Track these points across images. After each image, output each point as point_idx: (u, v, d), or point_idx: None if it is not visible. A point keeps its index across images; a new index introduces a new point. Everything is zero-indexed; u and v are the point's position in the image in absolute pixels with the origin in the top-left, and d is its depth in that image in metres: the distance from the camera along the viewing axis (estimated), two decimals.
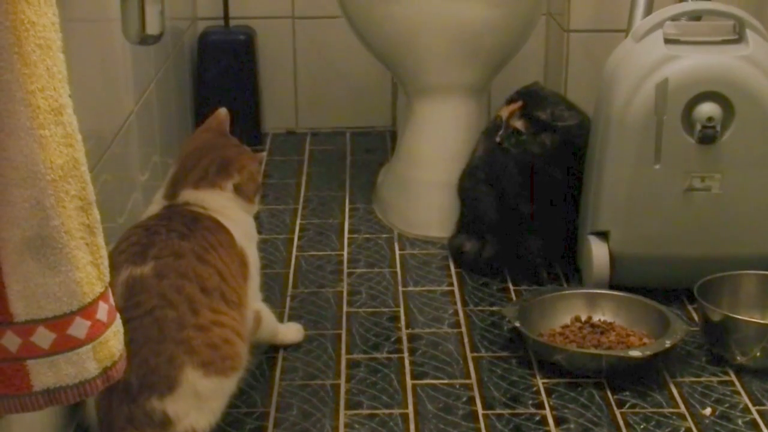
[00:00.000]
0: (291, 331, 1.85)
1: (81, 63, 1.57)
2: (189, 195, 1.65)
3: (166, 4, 1.63)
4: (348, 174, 2.68)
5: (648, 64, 1.89)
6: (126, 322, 1.19)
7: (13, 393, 1.08)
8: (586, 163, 2.02)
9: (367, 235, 2.31)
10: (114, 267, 1.41)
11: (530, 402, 1.68)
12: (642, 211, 1.93)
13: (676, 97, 1.87)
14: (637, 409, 1.66)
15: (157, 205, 1.68)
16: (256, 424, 1.62)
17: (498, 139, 2.04)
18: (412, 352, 1.83)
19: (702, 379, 1.74)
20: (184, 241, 1.54)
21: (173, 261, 1.51)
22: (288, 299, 2.01)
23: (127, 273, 1.49)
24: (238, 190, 1.68)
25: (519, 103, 2.05)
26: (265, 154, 1.78)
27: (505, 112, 2.06)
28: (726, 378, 1.75)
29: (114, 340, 1.12)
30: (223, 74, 2.80)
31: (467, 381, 1.74)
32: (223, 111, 1.77)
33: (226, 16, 2.86)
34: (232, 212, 1.67)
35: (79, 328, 1.08)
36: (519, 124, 2.03)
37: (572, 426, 1.62)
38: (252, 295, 1.67)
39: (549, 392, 1.71)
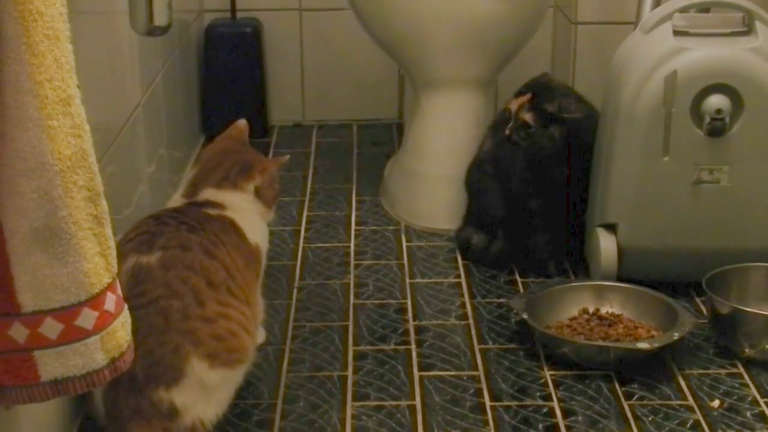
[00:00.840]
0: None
1: (89, 54, 1.57)
2: (210, 194, 1.65)
3: None
4: (355, 166, 2.67)
5: (657, 56, 1.88)
6: (130, 310, 1.18)
7: (20, 383, 1.08)
8: (594, 156, 2.02)
9: (374, 228, 2.31)
10: (121, 255, 1.41)
11: (538, 394, 1.68)
12: (650, 204, 1.93)
13: (685, 90, 1.86)
14: (645, 402, 1.65)
15: (174, 203, 1.68)
16: (263, 416, 1.62)
17: (507, 132, 2.03)
18: (419, 343, 1.83)
19: (710, 371, 1.74)
20: (192, 234, 1.53)
21: (180, 253, 1.50)
22: (295, 291, 2.01)
23: (133, 261, 1.48)
24: (258, 193, 1.68)
25: (528, 96, 2.04)
26: (288, 157, 1.77)
27: (514, 105, 2.05)
28: (734, 370, 1.74)
29: (122, 330, 1.12)
30: (229, 66, 2.80)
31: (475, 373, 1.74)
32: (242, 122, 1.79)
33: (233, 8, 2.85)
34: (249, 216, 1.66)
35: (87, 318, 1.08)
36: (528, 116, 2.02)
37: (580, 418, 1.61)
38: None
39: (557, 384, 1.70)
